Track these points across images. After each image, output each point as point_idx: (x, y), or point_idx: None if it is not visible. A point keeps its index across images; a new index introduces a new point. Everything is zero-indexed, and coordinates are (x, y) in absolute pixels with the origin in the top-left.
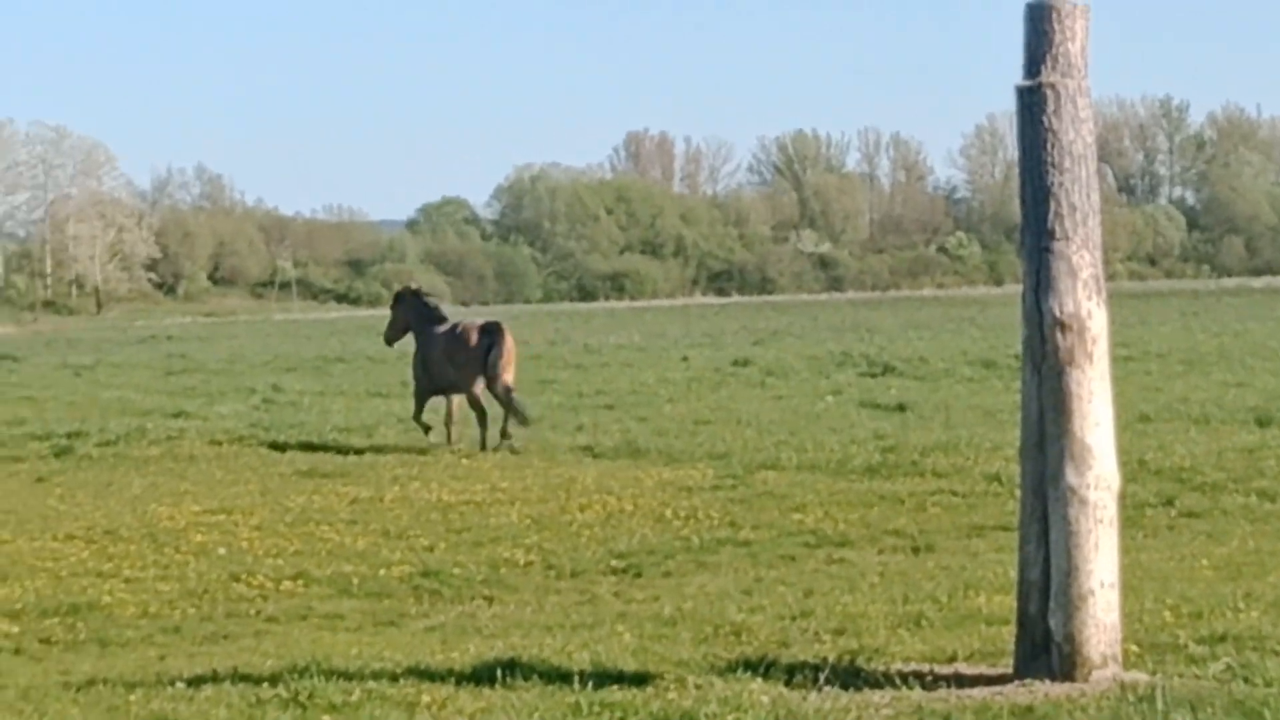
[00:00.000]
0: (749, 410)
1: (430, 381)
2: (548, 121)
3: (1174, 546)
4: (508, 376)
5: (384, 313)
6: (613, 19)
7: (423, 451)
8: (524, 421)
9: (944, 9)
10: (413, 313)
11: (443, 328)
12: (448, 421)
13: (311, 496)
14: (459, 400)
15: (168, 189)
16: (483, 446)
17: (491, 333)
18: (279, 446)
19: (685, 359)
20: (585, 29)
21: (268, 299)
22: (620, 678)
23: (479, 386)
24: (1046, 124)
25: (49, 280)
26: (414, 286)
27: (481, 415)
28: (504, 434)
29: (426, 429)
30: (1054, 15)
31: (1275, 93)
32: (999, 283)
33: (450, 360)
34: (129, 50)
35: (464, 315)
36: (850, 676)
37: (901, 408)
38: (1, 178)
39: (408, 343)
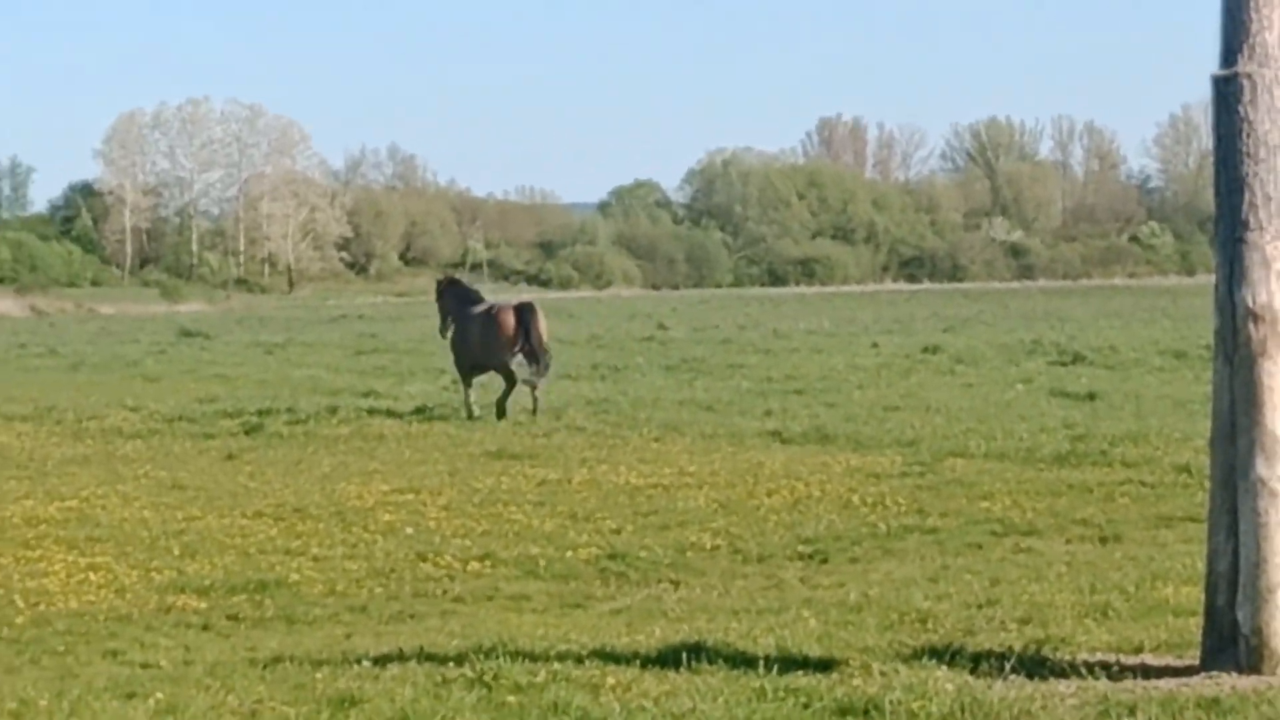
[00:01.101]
0: (938, 398)
1: (470, 359)
2: (741, 106)
3: None
4: (546, 353)
5: (576, 295)
6: (806, 4)
7: (611, 434)
8: (537, 379)
9: None
10: (453, 300)
11: (479, 308)
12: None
13: (499, 478)
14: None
15: (361, 169)
16: (500, 414)
17: (525, 312)
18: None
19: (875, 345)
20: (779, 13)
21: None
22: (805, 663)
23: (515, 361)
24: (1242, 114)
25: (242, 258)
26: (453, 276)
27: (511, 383)
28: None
29: (470, 412)
30: (1251, 4)
31: None
32: (1191, 273)
33: (486, 341)
34: (325, 29)
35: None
36: (1036, 666)
37: (1091, 397)
38: (196, 156)
39: None
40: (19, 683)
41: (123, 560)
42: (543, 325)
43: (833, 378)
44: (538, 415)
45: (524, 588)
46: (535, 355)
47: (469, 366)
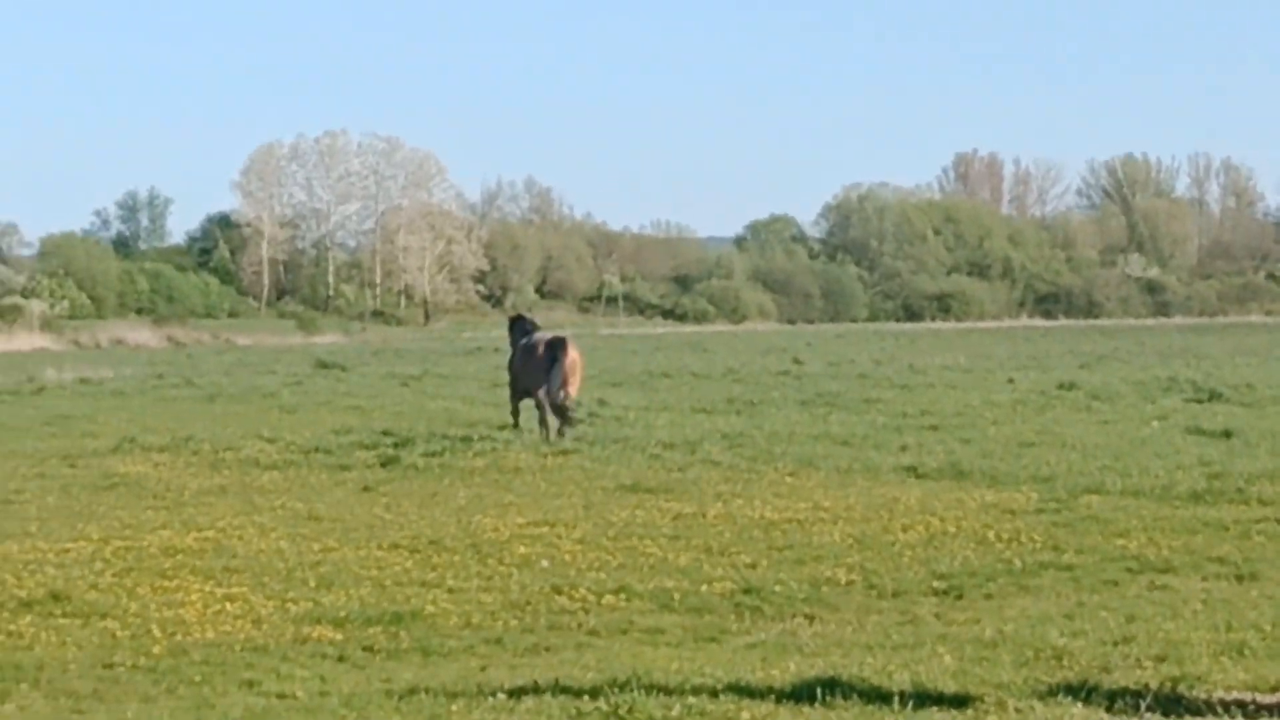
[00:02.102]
0: (1074, 434)
1: (516, 384)
2: (878, 141)
3: None
4: (570, 388)
5: (711, 329)
6: (942, 40)
7: (746, 469)
8: (568, 424)
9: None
10: (515, 333)
11: (526, 340)
12: (541, 421)
13: (634, 511)
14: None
15: (497, 201)
16: (545, 439)
17: (555, 347)
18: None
19: (1011, 381)
20: (915, 49)
21: (594, 313)
22: (940, 699)
23: (542, 392)
24: None
25: (378, 290)
26: (520, 314)
27: (543, 414)
28: (560, 431)
29: (515, 426)
30: None
31: None
32: None
33: (524, 368)
34: (462, 63)
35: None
36: (1172, 704)
37: (1228, 434)
38: (334, 188)
39: None
40: (155, 712)
41: (259, 591)
42: (571, 360)
43: (968, 413)
44: (550, 440)
45: (659, 621)
46: (551, 389)
47: (517, 391)
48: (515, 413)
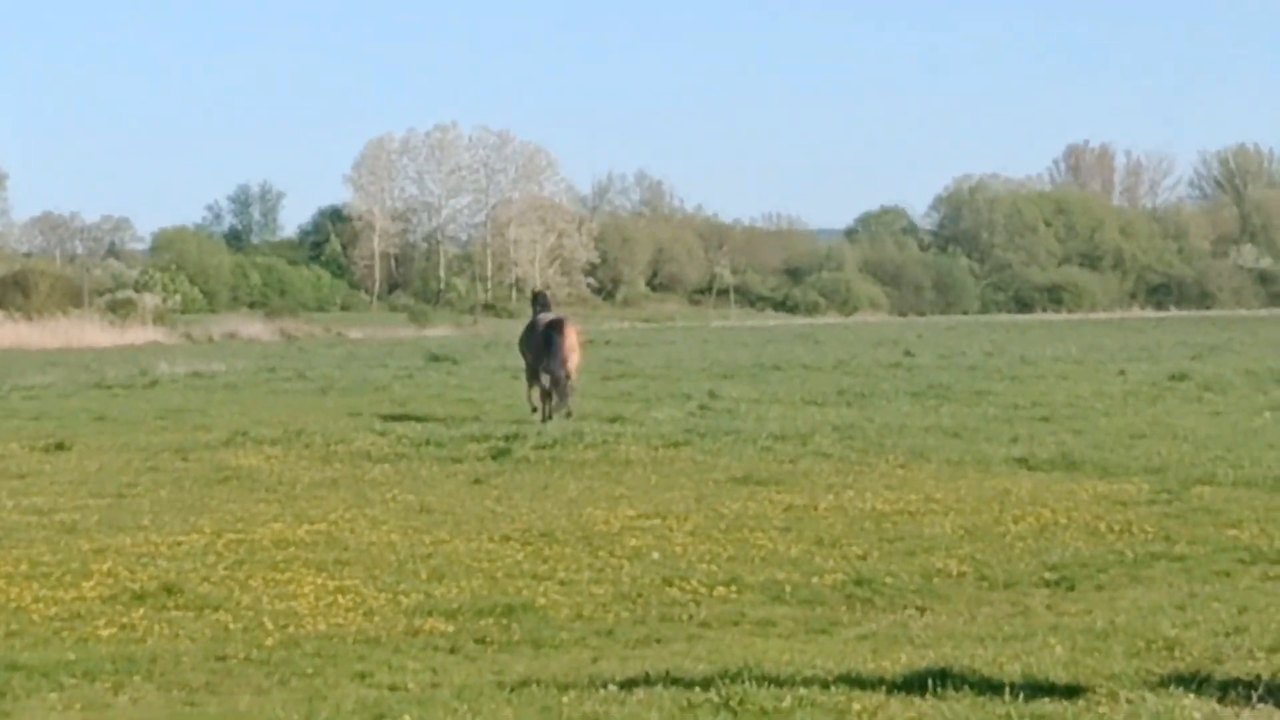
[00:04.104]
0: (1185, 425)
1: (527, 360)
2: (988, 132)
3: None
4: (569, 365)
5: (822, 321)
6: (1054, 32)
7: (857, 460)
8: (564, 403)
9: None
10: (535, 308)
11: (532, 318)
12: (542, 397)
13: (746, 503)
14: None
15: (608, 194)
16: (545, 416)
17: (552, 328)
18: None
19: (1122, 372)
20: (1027, 41)
21: (705, 305)
22: (1051, 690)
23: (543, 374)
24: None
25: (489, 284)
26: (539, 290)
27: (545, 392)
28: (563, 410)
29: (534, 408)
30: None
31: None
32: None
33: (527, 346)
34: (573, 57)
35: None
36: None
37: None
38: (445, 182)
39: None
40: (268, 704)
41: (371, 583)
42: (570, 342)
43: (1079, 405)
44: (549, 422)
45: (770, 613)
46: (552, 370)
47: (528, 366)
48: (530, 391)
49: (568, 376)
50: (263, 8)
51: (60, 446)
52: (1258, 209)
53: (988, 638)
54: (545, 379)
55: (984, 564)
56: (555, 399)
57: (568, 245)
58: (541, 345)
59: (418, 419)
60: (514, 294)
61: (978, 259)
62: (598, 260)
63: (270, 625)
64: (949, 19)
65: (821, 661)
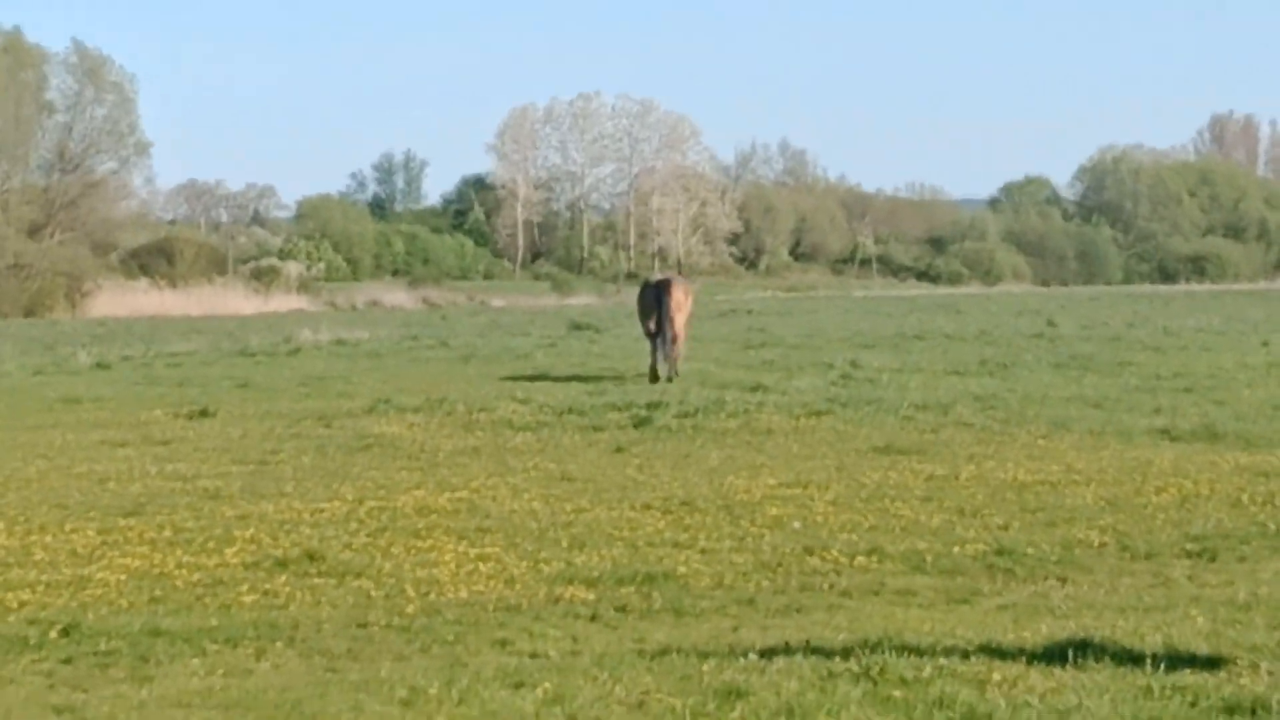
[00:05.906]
0: None
1: (643, 325)
2: (1132, 102)
3: None
4: (676, 324)
5: (965, 291)
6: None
7: (999, 431)
8: (667, 358)
9: None
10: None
11: (645, 279)
12: (652, 354)
13: (887, 473)
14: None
15: (751, 164)
16: (653, 374)
17: (660, 288)
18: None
19: (1265, 344)
20: (1173, 10)
21: (847, 275)
22: (1192, 661)
23: (652, 326)
24: None
25: (632, 252)
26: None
27: (653, 347)
28: (671, 368)
29: (654, 373)
30: None
31: None
32: None
33: (640, 306)
34: (716, 26)
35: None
36: None
37: None
38: (588, 150)
39: None
40: (409, 671)
41: (512, 551)
42: (676, 300)
43: (1222, 376)
44: (669, 379)
45: (910, 583)
46: (661, 325)
47: (643, 327)
48: (652, 350)
49: (674, 334)
50: None
51: (204, 413)
52: None
53: (1128, 609)
54: (654, 334)
55: (1125, 535)
56: (662, 356)
57: (710, 214)
58: (652, 303)
59: (560, 384)
60: (656, 263)
61: (1121, 229)
62: (740, 229)
63: (411, 592)
64: None
65: (962, 631)
